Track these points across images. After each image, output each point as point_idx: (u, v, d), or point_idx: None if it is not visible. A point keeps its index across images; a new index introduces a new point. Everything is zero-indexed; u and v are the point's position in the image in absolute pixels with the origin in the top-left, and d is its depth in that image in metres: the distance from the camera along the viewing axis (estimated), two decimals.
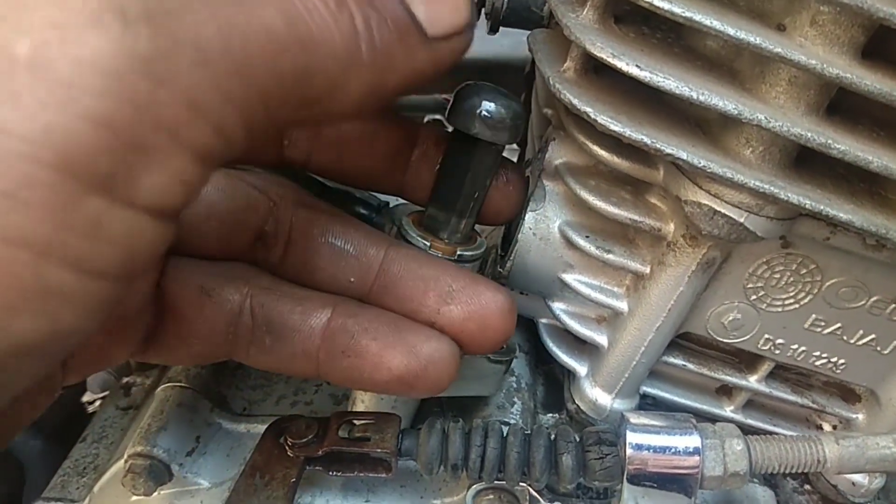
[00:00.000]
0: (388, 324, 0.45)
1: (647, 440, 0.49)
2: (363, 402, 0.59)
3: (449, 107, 0.48)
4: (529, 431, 0.52)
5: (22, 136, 0.23)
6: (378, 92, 0.34)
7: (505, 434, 0.52)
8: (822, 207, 0.44)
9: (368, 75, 0.33)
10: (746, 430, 0.62)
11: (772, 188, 0.43)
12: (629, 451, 0.49)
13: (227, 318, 0.45)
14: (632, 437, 0.49)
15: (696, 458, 0.48)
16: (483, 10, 0.60)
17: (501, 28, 0.66)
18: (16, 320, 0.25)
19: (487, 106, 0.46)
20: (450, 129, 0.49)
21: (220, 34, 0.27)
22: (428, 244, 0.51)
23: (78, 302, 0.26)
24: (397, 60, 0.34)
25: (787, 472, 0.49)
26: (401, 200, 0.64)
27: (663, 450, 0.49)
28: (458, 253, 0.51)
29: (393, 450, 0.50)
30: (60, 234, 0.24)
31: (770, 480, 0.66)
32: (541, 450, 0.50)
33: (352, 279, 0.47)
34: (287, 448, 0.51)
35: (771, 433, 0.62)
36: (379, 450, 0.50)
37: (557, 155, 0.55)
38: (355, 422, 0.52)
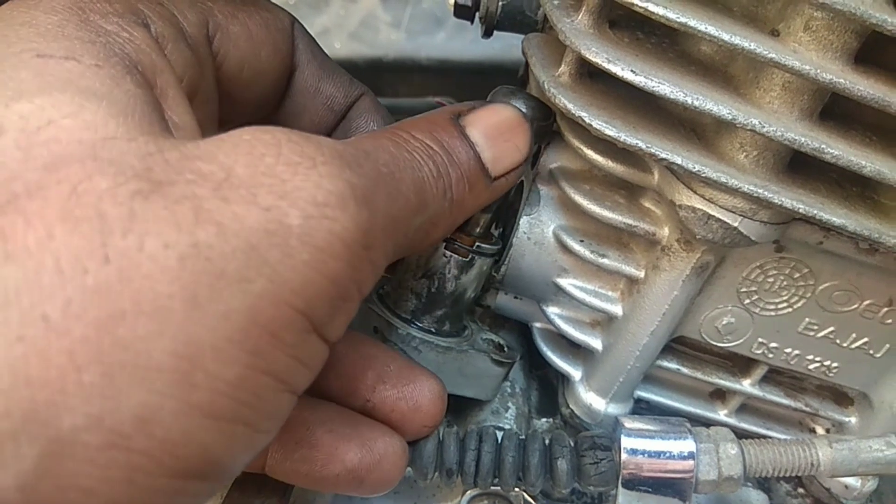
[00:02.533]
0: (344, 418, 0.45)
1: (641, 445, 0.49)
2: None
3: None
4: (524, 436, 0.52)
5: (288, 286, 0.29)
6: (451, 229, 0.45)
7: (500, 439, 0.52)
8: (815, 212, 0.44)
9: (448, 222, 0.43)
10: (740, 434, 0.62)
11: (766, 193, 0.44)
12: (624, 456, 0.49)
13: None
14: (626, 442, 0.49)
15: (691, 462, 0.48)
16: (477, 14, 0.60)
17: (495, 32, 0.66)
18: (257, 436, 0.31)
19: (519, 105, 0.48)
20: None
21: (392, 203, 0.35)
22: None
23: (283, 418, 0.33)
24: (467, 205, 0.43)
25: (781, 475, 0.50)
26: None
27: (658, 454, 0.49)
28: (477, 245, 0.52)
29: None
30: (293, 363, 0.31)
31: (764, 484, 0.67)
32: (536, 455, 0.50)
33: None
34: None
35: (765, 437, 0.62)
36: None
37: (552, 159, 0.55)
38: None
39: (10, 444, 0.24)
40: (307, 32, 0.52)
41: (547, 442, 0.51)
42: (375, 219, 0.33)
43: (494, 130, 0.44)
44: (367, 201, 0.32)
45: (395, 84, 2.00)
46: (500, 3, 0.58)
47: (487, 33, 0.61)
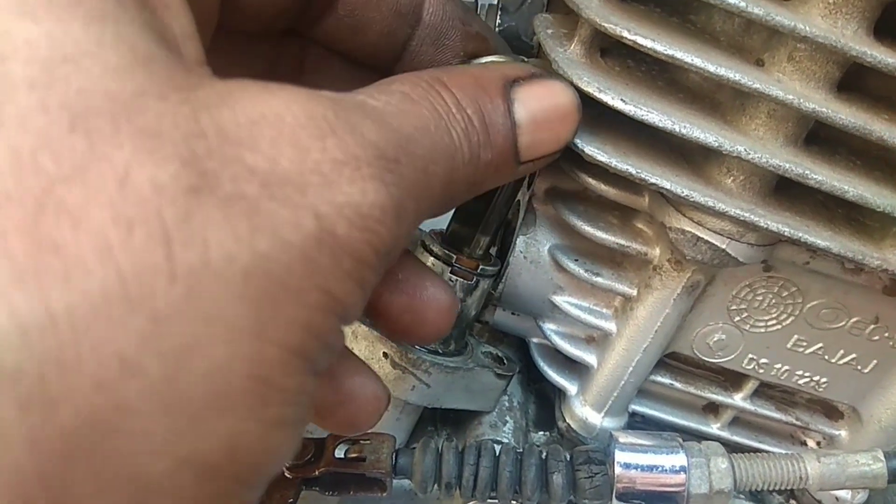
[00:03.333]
0: None
1: (634, 459, 0.50)
2: None
3: None
4: (522, 450, 0.53)
5: (335, 295, 0.28)
6: (468, 195, 0.39)
7: (497, 453, 0.53)
8: (800, 235, 0.46)
9: (460, 201, 0.39)
10: (733, 447, 0.64)
11: (752, 216, 0.45)
12: (618, 470, 0.50)
13: None
14: (620, 457, 0.50)
15: (683, 476, 0.50)
16: None
17: None
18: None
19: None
20: None
21: (422, 205, 0.34)
22: (454, 257, 0.54)
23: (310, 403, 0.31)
24: (486, 186, 0.40)
25: (770, 489, 0.51)
26: None
27: (651, 468, 0.50)
28: (481, 267, 0.54)
29: (388, 469, 0.51)
30: (328, 357, 0.30)
31: (757, 496, 0.68)
32: (532, 469, 0.52)
33: None
34: (284, 469, 0.52)
35: (757, 450, 0.64)
36: (374, 470, 0.51)
37: (547, 180, 0.57)
38: (351, 442, 0.53)
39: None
40: None
41: (543, 456, 0.53)
42: (406, 227, 0.32)
43: (543, 115, 0.40)
44: (403, 213, 0.31)
45: None
46: (497, 30, 0.60)
47: None
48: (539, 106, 0.40)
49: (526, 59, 0.48)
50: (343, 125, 0.30)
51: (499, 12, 0.60)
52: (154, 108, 0.25)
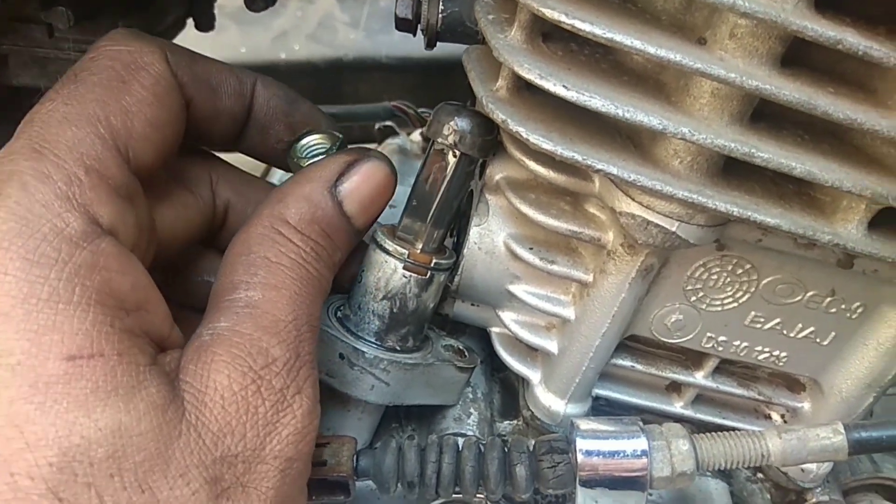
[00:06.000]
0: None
1: (596, 446, 0.50)
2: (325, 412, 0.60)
3: (428, 123, 0.53)
4: (484, 443, 0.53)
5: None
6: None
7: (460, 448, 0.52)
8: (749, 213, 0.45)
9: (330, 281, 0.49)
10: (697, 425, 0.64)
11: (700, 198, 0.45)
12: (580, 458, 0.50)
13: None
14: (581, 444, 0.50)
15: (644, 460, 0.49)
16: (419, 26, 0.61)
17: None
18: None
19: (462, 122, 0.51)
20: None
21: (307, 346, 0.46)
22: (406, 253, 0.53)
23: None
24: (342, 259, 0.50)
25: (733, 467, 0.51)
26: None
27: (612, 454, 0.50)
28: (434, 262, 0.53)
29: (350, 472, 0.51)
30: None
31: (724, 472, 0.68)
32: (495, 462, 0.51)
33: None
34: None
35: (721, 426, 0.64)
36: (336, 473, 0.50)
37: (498, 170, 0.56)
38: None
39: None
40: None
41: (506, 448, 0.52)
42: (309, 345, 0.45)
43: (369, 199, 0.49)
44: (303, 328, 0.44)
45: (355, 83, 2.00)
46: (441, 16, 0.58)
47: (430, 45, 0.61)
48: (362, 193, 0.49)
49: (338, 133, 0.56)
50: (256, 384, 0.42)
51: None
52: (190, 459, 0.39)
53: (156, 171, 0.46)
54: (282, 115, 0.56)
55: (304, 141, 0.56)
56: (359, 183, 0.49)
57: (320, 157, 0.54)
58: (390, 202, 0.52)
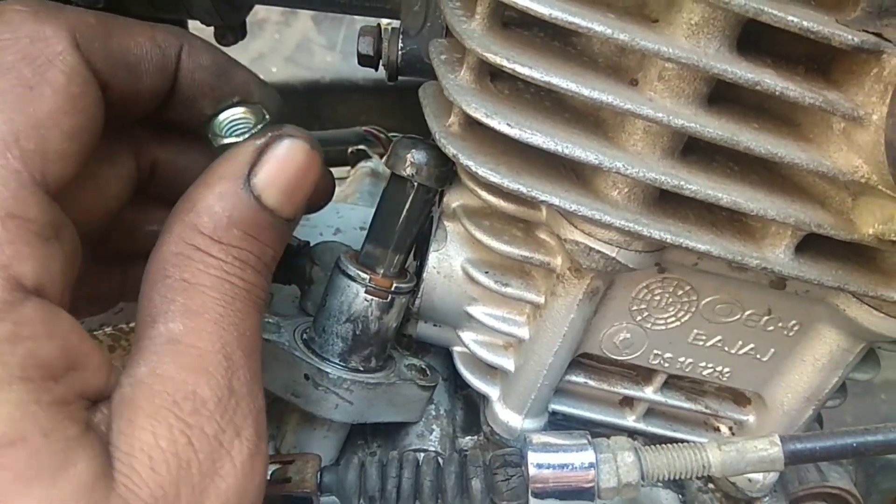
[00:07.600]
0: None
1: (546, 459, 0.53)
2: (292, 431, 0.62)
3: (387, 155, 0.56)
4: (443, 458, 0.56)
5: None
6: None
7: (419, 463, 0.55)
8: (681, 240, 0.49)
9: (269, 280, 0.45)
10: (650, 438, 0.67)
11: (636, 226, 0.48)
12: (531, 471, 0.53)
13: None
14: (533, 457, 0.53)
15: (592, 472, 0.52)
16: (381, 62, 0.64)
17: None
18: None
19: (419, 155, 0.55)
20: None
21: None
22: (367, 278, 0.56)
23: None
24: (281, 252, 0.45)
25: (676, 478, 0.54)
26: (323, 240, 0.69)
27: (562, 467, 0.53)
28: (395, 286, 0.56)
29: (314, 488, 0.53)
30: None
31: (677, 482, 0.71)
32: (452, 476, 0.54)
33: None
34: None
35: (672, 439, 0.68)
36: (300, 490, 0.53)
37: (455, 198, 0.59)
38: (277, 464, 0.55)
39: None
40: None
41: (463, 463, 0.55)
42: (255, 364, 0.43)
43: (291, 186, 0.44)
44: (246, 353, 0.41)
45: (333, 105, 2.03)
46: (400, 53, 0.62)
47: (391, 79, 0.65)
48: (282, 181, 0.43)
49: (265, 111, 0.50)
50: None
51: (401, 36, 0.62)
52: None
53: (74, 179, 0.40)
54: (208, 89, 0.50)
55: (223, 115, 0.49)
56: (276, 170, 0.43)
57: (242, 134, 0.48)
58: (360, 224, 0.53)
